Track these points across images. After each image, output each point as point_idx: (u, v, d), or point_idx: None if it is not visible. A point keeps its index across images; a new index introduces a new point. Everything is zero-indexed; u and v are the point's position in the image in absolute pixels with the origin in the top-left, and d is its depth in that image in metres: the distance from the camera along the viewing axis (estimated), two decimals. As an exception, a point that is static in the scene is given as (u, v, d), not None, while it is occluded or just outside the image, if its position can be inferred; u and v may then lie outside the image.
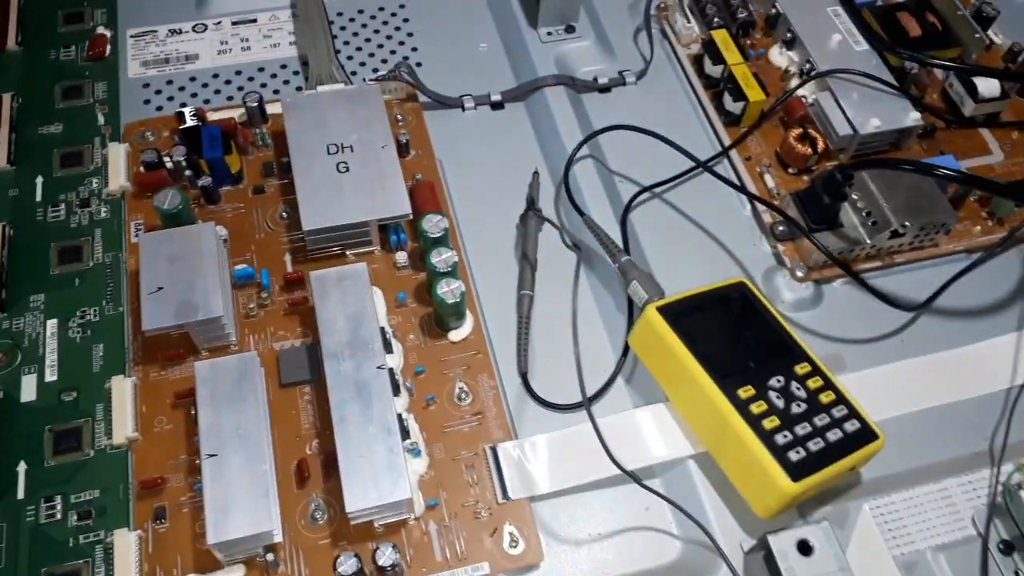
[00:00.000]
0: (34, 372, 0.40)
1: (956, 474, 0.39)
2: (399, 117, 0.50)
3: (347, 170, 0.44)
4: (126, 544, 0.36)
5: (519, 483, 0.38)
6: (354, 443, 0.36)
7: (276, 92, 0.52)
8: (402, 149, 0.48)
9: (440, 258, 0.41)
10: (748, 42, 0.54)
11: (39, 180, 0.46)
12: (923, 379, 0.43)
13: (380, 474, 0.35)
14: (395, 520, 0.36)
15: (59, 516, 0.37)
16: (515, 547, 0.37)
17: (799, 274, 0.45)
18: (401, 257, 0.44)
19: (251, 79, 0.52)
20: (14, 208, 0.45)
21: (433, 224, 0.42)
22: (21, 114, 0.49)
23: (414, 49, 0.55)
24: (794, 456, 0.35)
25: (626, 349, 0.42)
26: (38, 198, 0.46)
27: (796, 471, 0.34)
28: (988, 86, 0.50)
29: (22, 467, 0.38)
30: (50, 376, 0.40)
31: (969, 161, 0.50)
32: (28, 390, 0.40)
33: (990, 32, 0.55)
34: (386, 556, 0.34)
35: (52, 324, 0.42)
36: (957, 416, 0.42)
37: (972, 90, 0.51)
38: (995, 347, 0.45)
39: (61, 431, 0.39)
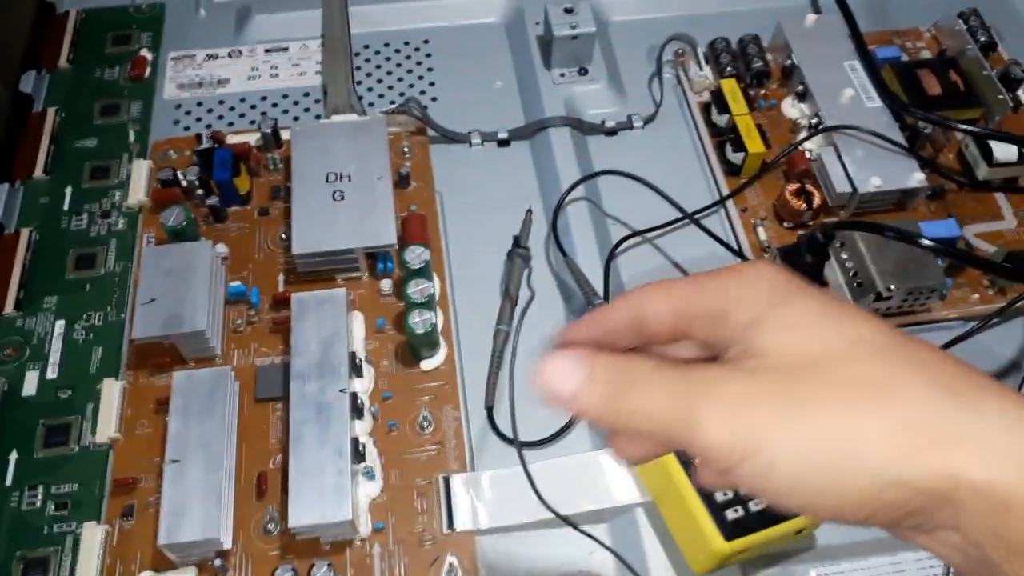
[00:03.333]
0: (37, 369, 0.44)
1: (913, 549, 0.38)
2: (405, 149, 0.51)
3: (342, 198, 0.46)
4: (92, 537, 0.38)
5: (466, 515, 0.39)
6: (306, 462, 0.37)
7: (296, 118, 0.55)
8: (403, 181, 0.49)
9: (417, 288, 0.42)
10: (762, 92, 0.54)
11: (68, 190, 0.50)
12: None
13: (326, 494, 0.36)
14: (340, 539, 0.38)
15: (39, 505, 0.40)
16: (454, 577, 0.37)
17: (780, 330, 0.44)
18: (386, 285, 0.46)
19: (275, 105, 0.55)
20: (43, 215, 0.49)
21: (415, 256, 0.43)
22: (62, 128, 0.53)
23: (432, 84, 0.57)
24: (731, 515, 0.35)
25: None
26: (65, 207, 0.49)
27: (731, 530, 0.34)
28: (1005, 151, 0.49)
29: (13, 456, 0.41)
30: (51, 373, 0.43)
31: (979, 226, 0.49)
32: (30, 385, 0.43)
33: (1020, 93, 0.54)
34: (321, 573, 0.36)
35: (60, 325, 0.45)
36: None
37: (987, 153, 0.49)
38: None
39: (53, 426, 0.42)
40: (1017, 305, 0.45)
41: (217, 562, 0.37)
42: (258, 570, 0.38)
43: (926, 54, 0.57)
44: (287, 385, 0.42)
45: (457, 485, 0.39)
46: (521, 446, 0.39)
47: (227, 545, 0.37)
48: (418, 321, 0.41)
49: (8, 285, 0.46)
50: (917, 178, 0.47)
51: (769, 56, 0.55)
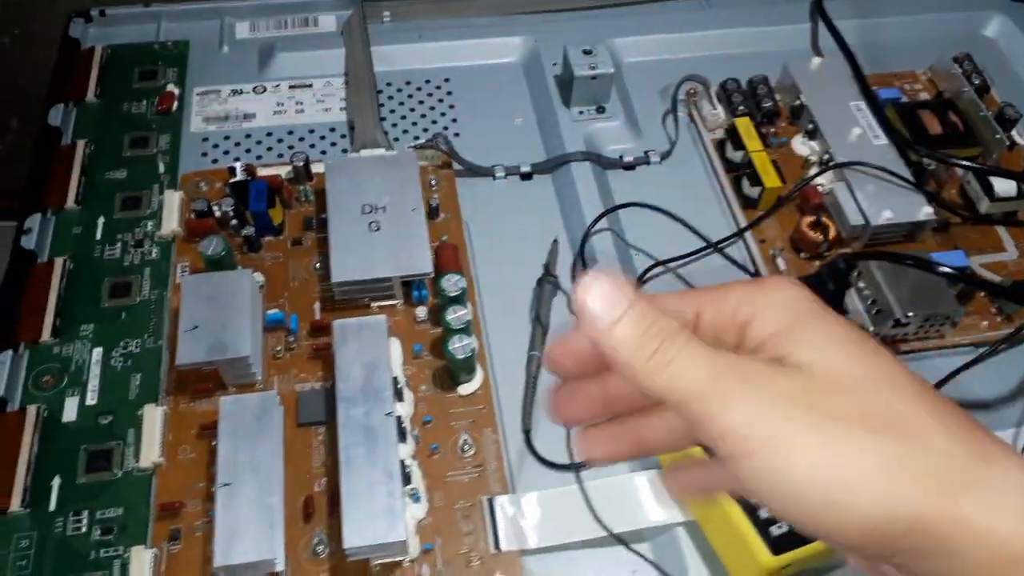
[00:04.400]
0: (77, 395, 0.44)
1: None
2: (433, 182, 0.53)
3: (378, 229, 0.47)
4: (141, 561, 0.38)
5: (512, 536, 0.39)
6: (357, 484, 0.38)
7: (323, 153, 0.56)
8: (432, 212, 0.51)
9: (455, 315, 0.44)
10: (772, 130, 0.57)
11: (101, 220, 0.51)
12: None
13: (378, 515, 0.37)
14: (390, 561, 0.38)
15: (84, 529, 0.40)
16: (502, 597, 0.38)
17: (802, 355, 0.46)
18: (421, 312, 0.47)
19: (302, 139, 0.57)
20: (76, 244, 0.50)
21: (452, 284, 0.45)
22: (92, 159, 0.54)
23: (454, 120, 0.58)
24: (776, 530, 0.36)
25: (627, 415, 0.44)
26: (98, 236, 0.50)
27: (777, 545, 0.35)
28: (1004, 186, 0.52)
29: (56, 481, 0.41)
30: (91, 400, 0.44)
31: (983, 257, 0.51)
32: (70, 411, 0.43)
33: (1013, 133, 0.57)
34: (376, 594, 0.36)
35: (98, 352, 0.45)
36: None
37: (988, 188, 0.52)
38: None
39: (95, 451, 0.42)
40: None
41: (269, 584, 0.37)
42: (307, 593, 0.38)
43: (923, 95, 0.60)
44: (329, 410, 0.43)
45: (501, 506, 0.40)
46: (578, 468, 0.40)
47: (280, 567, 0.37)
48: (459, 347, 0.43)
49: (44, 313, 0.46)
50: (926, 211, 0.50)
51: (777, 96, 0.58)
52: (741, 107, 0.57)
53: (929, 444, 0.19)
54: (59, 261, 0.48)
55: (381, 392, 0.41)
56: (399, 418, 0.41)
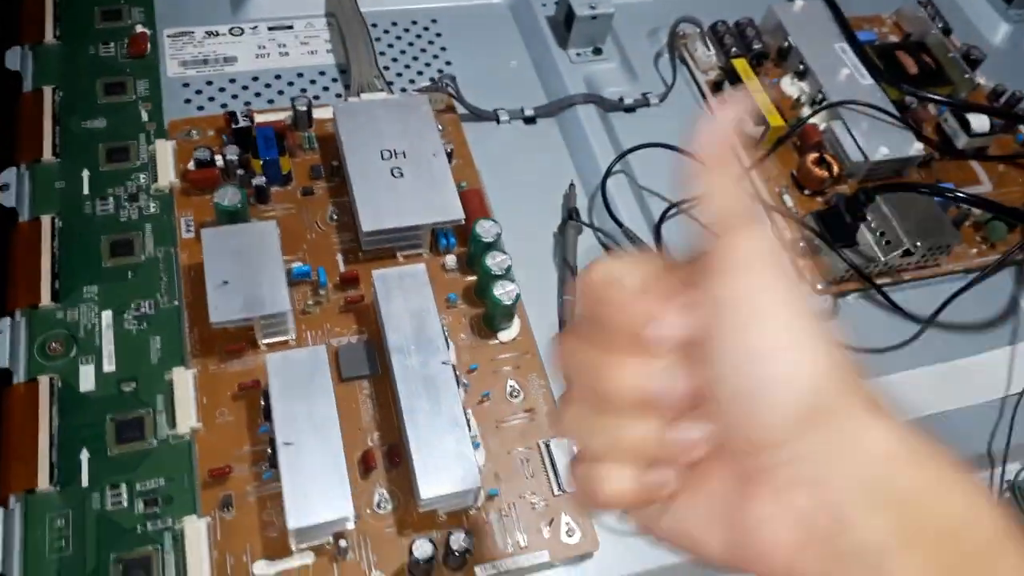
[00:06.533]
0: (91, 362, 0.41)
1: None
2: (439, 127, 0.51)
3: (401, 175, 0.45)
4: (196, 531, 0.36)
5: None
6: (424, 435, 0.37)
7: (317, 98, 0.53)
8: (447, 157, 0.49)
9: (494, 261, 0.43)
10: (760, 71, 0.58)
11: (85, 173, 0.47)
12: (926, 388, 0.47)
13: (450, 465, 0.37)
14: (458, 509, 0.38)
15: (125, 504, 0.37)
16: (571, 536, 0.38)
17: (818, 287, 0.48)
18: (451, 260, 0.46)
19: (290, 84, 0.54)
20: (61, 200, 0.45)
21: (486, 229, 0.44)
22: (63, 107, 0.49)
23: (448, 63, 0.57)
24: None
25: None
26: (85, 191, 0.46)
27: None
28: (980, 122, 0.55)
29: (84, 455, 0.38)
30: (108, 366, 0.41)
31: (963, 190, 0.55)
32: (87, 380, 0.40)
33: (976, 73, 0.60)
34: (459, 541, 0.36)
35: (107, 315, 0.42)
36: (955, 423, 0.45)
37: (965, 125, 0.55)
38: (990, 359, 0.49)
39: (123, 421, 0.39)
40: (1009, 257, 0.51)
41: (341, 543, 0.36)
42: (378, 548, 0.37)
43: (892, 38, 0.63)
44: (373, 363, 0.42)
45: (559, 448, 0.40)
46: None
47: (351, 525, 0.36)
48: (503, 293, 0.42)
49: (40, 275, 0.42)
50: (916, 147, 0.53)
51: (765, 39, 0.59)
52: (734, 49, 0.58)
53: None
54: (46, 219, 0.44)
55: (434, 341, 0.40)
56: (454, 366, 0.40)
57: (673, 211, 0.50)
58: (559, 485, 0.40)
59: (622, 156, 0.51)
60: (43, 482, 0.37)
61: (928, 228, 0.48)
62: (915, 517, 0.18)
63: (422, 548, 0.35)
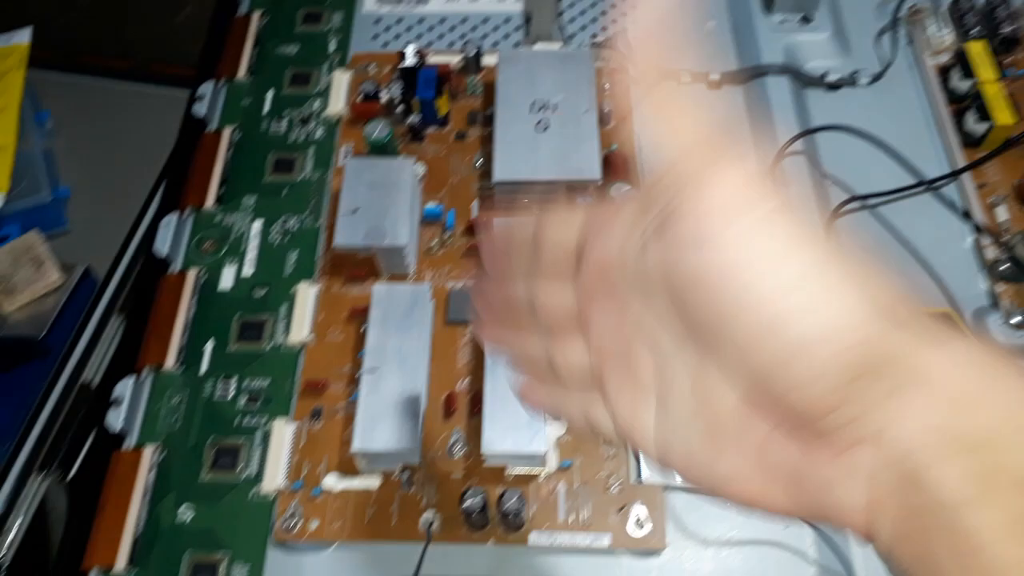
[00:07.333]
0: (235, 264, 0.44)
1: None
2: (606, 86, 0.49)
3: (546, 129, 0.44)
4: (283, 433, 0.38)
5: (655, 467, 0.37)
6: (502, 390, 0.36)
7: (495, 44, 0.53)
8: (604, 117, 0.47)
9: (622, 228, 0.40)
10: (1008, 59, 0.49)
11: (270, 94, 0.50)
12: None
13: (521, 424, 0.35)
14: (526, 472, 0.37)
15: (231, 396, 0.40)
16: (640, 528, 0.36)
17: (1014, 320, 0.40)
18: (584, 221, 0.44)
19: (475, 28, 0.54)
20: (244, 116, 0.49)
21: (621, 194, 0.41)
22: (265, 31, 0.53)
23: (637, 20, 0.54)
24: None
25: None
26: (266, 110, 0.50)
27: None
28: None
29: (209, 346, 0.42)
30: (247, 271, 0.44)
31: None
32: (227, 279, 0.44)
33: None
34: (511, 502, 0.35)
35: (257, 225, 0.45)
36: None
37: None
38: None
39: (248, 322, 0.42)
40: None
41: (405, 475, 0.36)
42: (440, 489, 0.37)
43: None
44: (479, 311, 0.41)
45: (649, 436, 0.37)
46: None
47: (417, 459, 0.36)
48: (622, 261, 0.39)
49: (210, 181, 0.46)
50: None
51: (1022, 22, 0.49)
52: (975, 30, 0.49)
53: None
54: (227, 131, 0.48)
55: (536, 298, 0.38)
56: (551, 328, 0.38)
57: (854, 204, 0.44)
58: (639, 474, 0.37)
59: (803, 134, 0.45)
60: (171, 362, 0.41)
61: None
62: (990, 464, 0.15)
63: (473, 500, 0.34)
